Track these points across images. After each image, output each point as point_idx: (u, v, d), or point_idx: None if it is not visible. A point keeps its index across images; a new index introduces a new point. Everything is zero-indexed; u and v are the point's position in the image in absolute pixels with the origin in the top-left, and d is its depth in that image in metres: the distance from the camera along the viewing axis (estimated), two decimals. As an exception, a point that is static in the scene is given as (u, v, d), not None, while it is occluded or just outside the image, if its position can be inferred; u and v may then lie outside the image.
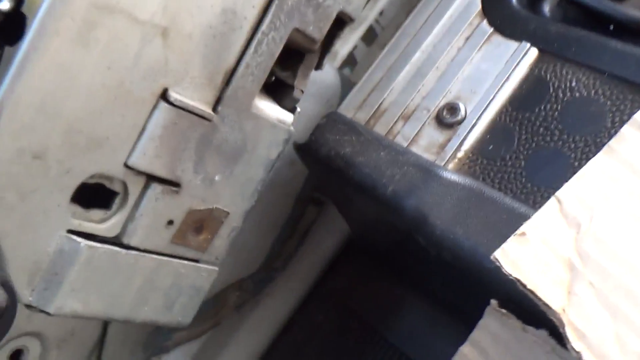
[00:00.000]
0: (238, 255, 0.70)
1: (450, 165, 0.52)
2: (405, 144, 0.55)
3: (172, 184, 0.42)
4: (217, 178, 0.44)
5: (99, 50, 0.34)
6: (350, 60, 0.74)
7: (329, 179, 0.57)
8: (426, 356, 0.68)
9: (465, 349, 0.46)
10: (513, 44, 0.54)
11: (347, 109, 0.59)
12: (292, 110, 0.48)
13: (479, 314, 0.48)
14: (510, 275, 0.36)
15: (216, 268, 0.48)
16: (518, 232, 0.35)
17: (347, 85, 0.70)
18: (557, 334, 0.40)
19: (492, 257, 0.37)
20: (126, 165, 0.39)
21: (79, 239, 0.39)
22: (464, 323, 0.50)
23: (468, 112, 0.54)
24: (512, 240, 0.35)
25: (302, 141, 0.58)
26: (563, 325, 0.31)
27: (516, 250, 0.35)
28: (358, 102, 0.59)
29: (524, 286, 0.35)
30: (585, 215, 0.33)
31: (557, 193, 0.36)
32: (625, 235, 0.33)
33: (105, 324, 0.47)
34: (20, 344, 0.42)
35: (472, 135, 0.53)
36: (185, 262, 0.46)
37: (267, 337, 0.83)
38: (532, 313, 0.43)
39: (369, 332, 0.72)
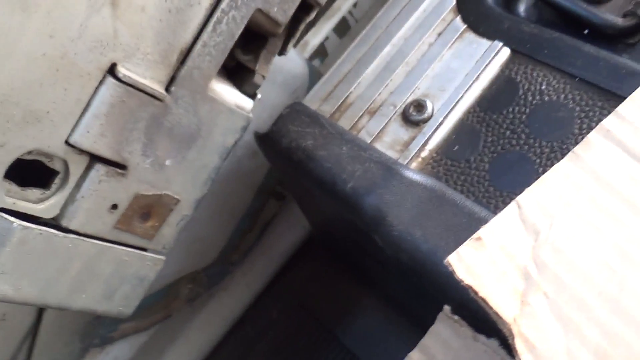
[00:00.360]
0: (192, 247, 0.68)
1: (414, 164, 0.51)
2: (369, 140, 0.53)
3: (118, 165, 0.39)
4: (167, 163, 0.42)
5: (40, 15, 0.32)
6: (321, 52, 0.73)
7: (289, 171, 0.55)
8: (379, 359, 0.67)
9: (415, 355, 0.45)
10: (485, 43, 0.53)
11: (313, 101, 0.57)
12: (252, 96, 0.46)
13: (433, 319, 0.46)
14: (463, 281, 0.34)
15: (163, 257, 0.46)
16: (474, 236, 0.34)
17: (315, 77, 0.68)
18: (508, 345, 0.39)
19: (445, 261, 0.35)
20: (67, 143, 0.36)
21: (12, 219, 0.37)
22: (419, 328, 0.49)
23: (435, 111, 0.52)
24: (467, 244, 0.34)
25: (264, 131, 0.56)
26: (513, 336, 0.29)
27: (471, 255, 0.34)
28: (324, 93, 0.58)
29: (476, 293, 0.34)
30: (544, 222, 0.32)
31: (518, 198, 0.34)
32: (584, 246, 0.31)
33: (40, 310, 0.44)
34: (-55, 327, 0.40)
35: (437, 134, 0.51)
36: (130, 249, 0.43)
37: (218, 331, 0.81)
38: (484, 321, 0.42)
39: (322, 332, 0.70)
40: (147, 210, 0.43)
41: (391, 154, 0.51)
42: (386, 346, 0.66)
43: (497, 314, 0.30)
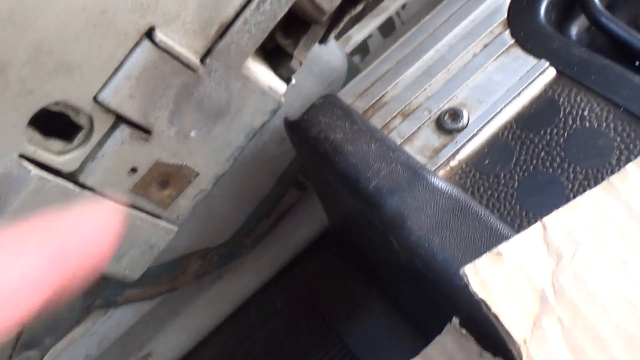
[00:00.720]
0: (208, 223, 0.68)
1: (441, 172, 0.50)
2: (399, 142, 0.52)
3: (143, 130, 0.39)
4: (192, 134, 0.41)
5: (85, -33, 0.31)
6: (362, 48, 0.72)
7: (314, 162, 0.54)
8: (379, 364, 0.66)
9: (416, 364, 0.44)
10: (532, 60, 0.52)
11: (347, 95, 0.56)
12: (286, 80, 0.45)
13: (438, 330, 0.45)
14: (476, 294, 0.33)
15: (175, 228, 0.45)
16: (494, 250, 0.32)
17: (353, 72, 0.67)
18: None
19: (461, 271, 0.34)
20: (95, 100, 0.36)
21: (31, 166, 0.36)
22: (422, 337, 0.48)
23: (470, 121, 0.51)
24: (486, 257, 0.33)
25: (294, 118, 0.55)
26: (521, 358, 0.28)
27: (488, 269, 0.33)
28: (360, 90, 0.57)
29: (489, 309, 0.33)
30: (569, 247, 0.31)
31: (544, 219, 0.33)
32: (607, 278, 0.30)
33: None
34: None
35: (470, 145, 0.50)
36: (143, 215, 0.43)
37: (221, 312, 0.81)
38: (491, 339, 0.41)
39: (325, 328, 0.70)
40: (166, 179, 0.42)
41: (420, 158, 0.50)
42: (387, 350, 0.65)
43: (507, 332, 0.29)
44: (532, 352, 0.27)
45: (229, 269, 0.83)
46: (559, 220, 0.33)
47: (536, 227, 0.33)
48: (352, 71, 0.67)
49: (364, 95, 0.56)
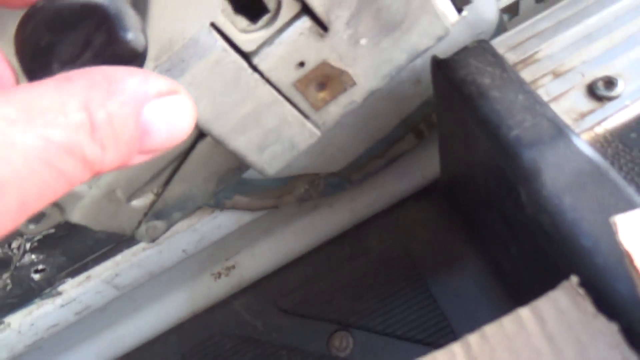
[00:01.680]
0: (325, 149, 0.69)
1: (584, 137, 0.49)
2: (546, 100, 0.52)
3: (322, 26, 0.40)
4: (362, 42, 0.42)
5: None
6: (513, 9, 0.71)
7: (454, 104, 0.55)
8: (461, 321, 0.67)
9: (523, 312, 0.44)
10: None
11: (499, 46, 0.56)
12: (459, 11, 0.45)
13: (538, 293, 0.45)
14: (622, 245, 0.33)
15: (319, 133, 0.47)
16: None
17: (500, 29, 0.66)
18: (629, 333, 0.38)
19: (612, 219, 0.34)
20: (287, -15, 0.38)
21: (217, 36, 0.39)
22: (515, 301, 0.48)
23: (625, 92, 0.50)
24: (637, 212, 0.33)
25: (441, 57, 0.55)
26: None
27: (638, 224, 0.33)
28: (513, 42, 0.56)
29: (631, 262, 0.33)
30: None
31: None
32: None
33: (197, 139, 0.46)
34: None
35: (618, 115, 0.49)
36: (296, 112, 0.45)
37: (309, 242, 0.83)
38: (608, 304, 0.41)
39: (414, 274, 0.71)
40: (325, 81, 0.44)
41: (564, 119, 0.50)
42: (473, 308, 0.66)
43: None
44: None
45: (325, 203, 0.85)
46: None
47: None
48: (500, 28, 0.66)
49: (516, 48, 0.56)
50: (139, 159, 0.23)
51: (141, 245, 0.74)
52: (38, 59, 0.26)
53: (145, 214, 0.50)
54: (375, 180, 0.81)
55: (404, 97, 0.67)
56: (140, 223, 0.51)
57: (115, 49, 0.26)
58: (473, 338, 0.44)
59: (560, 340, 0.41)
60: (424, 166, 0.80)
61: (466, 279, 0.68)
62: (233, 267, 0.87)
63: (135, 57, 0.27)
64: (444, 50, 0.60)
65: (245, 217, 0.78)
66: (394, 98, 0.67)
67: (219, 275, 0.86)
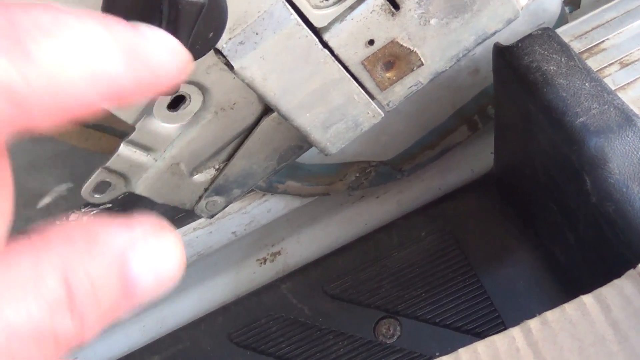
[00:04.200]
0: (379, 136, 0.69)
1: (652, 127, 0.48)
2: (612, 88, 0.51)
3: (394, 4, 0.40)
4: (432, 22, 0.42)
5: None
6: (574, 2, 0.70)
7: (517, 91, 0.54)
8: (512, 312, 0.66)
9: (587, 299, 0.43)
10: None
11: (564, 35, 0.56)
12: (527, -6, 0.45)
13: (595, 285, 0.44)
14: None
15: (382, 114, 0.47)
16: None
17: (562, 21, 0.65)
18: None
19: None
20: (363, -39, 0.38)
21: (292, 10, 0.39)
22: (567, 293, 0.47)
23: (696, 83, 0.49)
24: None
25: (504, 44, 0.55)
26: None
27: None
28: (579, 31, 0.56)
29: None
30: None
31: None
32: None
33: (261, 116, 0.47)
34: (187, 91, 0.43)
35: (689, 107, 0.48)
36: (361, 91, 0.45)
37: (360, 230, 0.83)
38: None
39: (464, 265, 0.70)
40: (393, 61, 0.44)
41: (632, 108, 0.49)
42: (524, 301, 0.65)
43: None
44: None
45: (372, 193, 0.85)
46: None
47: None
48: (561, 19, 0.65)
49: (582, 37, 0.55)
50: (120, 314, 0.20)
51: (192, 225, 0.75)
52: None
53: (206, 189, 0.51)
54: (424, 172, 0.80)
55: (460, 86, 0.67)
56: (200, 198, 0.52)
57: (177, 6, 0.27)
58: (533, 323, 0.44)
59: (626, 327, 0.40)
60: (474, 160, 0.80)
61: (517, 271, 0.67)
62: (278, 253, 0.88)
63: (200, 11, 0.28)
64: (504, 39, 0.59)
65: (294, 203, 0.79)
66: (450, 87, 0.67)
67: (264, 260, 0.87)
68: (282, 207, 0.78)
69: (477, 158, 0.80)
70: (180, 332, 0.78)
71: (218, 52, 0.39)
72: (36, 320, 0.16)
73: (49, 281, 0.17)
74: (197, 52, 0.35)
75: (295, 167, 0.70)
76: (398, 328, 0.68)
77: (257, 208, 0.76)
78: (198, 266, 0.85)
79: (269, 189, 0.71)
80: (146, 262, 0.19)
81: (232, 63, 0.39)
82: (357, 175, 0.75)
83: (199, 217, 0.75)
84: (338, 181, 0.75)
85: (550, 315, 0.43)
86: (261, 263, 0.87)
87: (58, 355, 0.17)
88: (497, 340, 0.44)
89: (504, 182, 0.71)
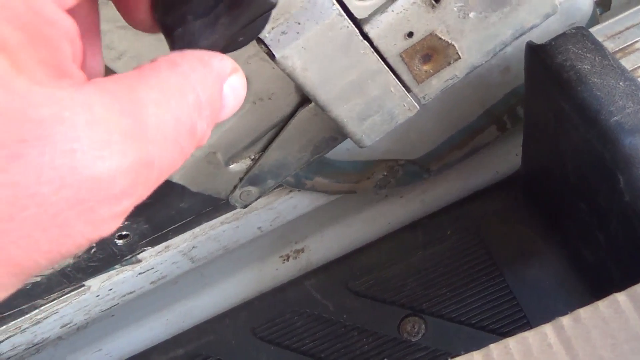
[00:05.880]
0: (409, 134, 0.70)
1: (687, 126, 0.48)
2: (646, 87, 0.51)
3: (435, -4, 0.41)
4: (471, 15, 0.43)
5: None
6: (605, 3, 0.70)
7: (548, 90, 0.54)
8: (538, 312, 0.66)
9: (620, 297, 0.43)
10: None
11: (597, 34, 0.56)
12: (566, -10, 0.45)
13: (625, 285, 0.44)
14: None
15: (418, 107, 0.47)
16: None
17: (593, 22, 0.66)
18: None
19: None
20: (408, -48, 0.38)
21: (334, 1, 0.39)
22: (596, 293, 0.47)
23: None
24: None
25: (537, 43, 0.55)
26: None
27: None
28: (612, 31, 0.56)
29: None
30: None
31: None
32: None
33: (297, 107, 0.47)
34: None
35: None
36: (398, 83, 0.45)
37: (383, 229, 0.83)
38: None
39: (489, 264, 0.70)
40: (430, 54, 0.44)
41: (667, 107, 0.49)
42: (552, 300, 0.65)
43: None
44: None
45: (396, 192, 0.85)
46: None
47: None
48: (593, 20, 0.65)
49: (615, 37, 0.55)
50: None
51: (219, 219, 0.75)
52: (173, 12, 0.27)
53: (241, 179, 0.52)
54: (447, 172, 0.81)
55: (490, 85, 0.67)
56: (235, 188, 0.52)
57: (249, 2, 0.27)
58: (566, 320, 0.44)
59: (661, 324, 0.40)
60: (498, 161, 0.80)
61: (543, 271, 0.67)
62: (302, 250, 0.89)
63: (269, 10, 0.28)
64: (536, 37, 0.59)
65: (319, 200, 0.79)
66: (480, 85, 0.67)
67: (287, 257, 0.88)
68: (308, 204, 0.78)
69: (501, 159, 0.80)
70: (204, 326, 0.79)
71: (260, 41, 0.40)
72: (188, 116, 0.21)
73: (187, 89, 0.22)
74: (241, 43, 0.36)
75: (324, 163, 0.71)
76: (423, 326, 0.69)
77: (283, 204, 0.77)
78: (221, 263, 0.85)
79: (297, 185, 0.72)
80: (232, 88, 0.24)
81: (274, 52, 0.40)
82: (385, 173, 0.75)
83: (226, 212, 0.76)
84: (365, 179, 0.76)
85: (583, 312, 0.43)
86: (284, 260, 0.88)
87: (191, 150, 0.22)
88: (529, 337, 0.44)
89: (531, 182, 0.71)
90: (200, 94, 0.22)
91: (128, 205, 0.20)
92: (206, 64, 0.24)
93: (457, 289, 0.70)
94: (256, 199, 0.53)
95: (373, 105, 0.46)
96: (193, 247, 0.75)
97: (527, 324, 0.65)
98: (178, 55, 0.23)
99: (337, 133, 0.50)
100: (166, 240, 0.73)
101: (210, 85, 0.23)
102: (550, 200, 0.66)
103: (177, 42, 0.26)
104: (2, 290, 0.18)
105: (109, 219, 0.19)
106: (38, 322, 0.74)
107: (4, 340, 0.75)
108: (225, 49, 0.28)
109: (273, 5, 0.28)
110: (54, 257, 0.19)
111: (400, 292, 0.71)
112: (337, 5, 0.40)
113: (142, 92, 0.20)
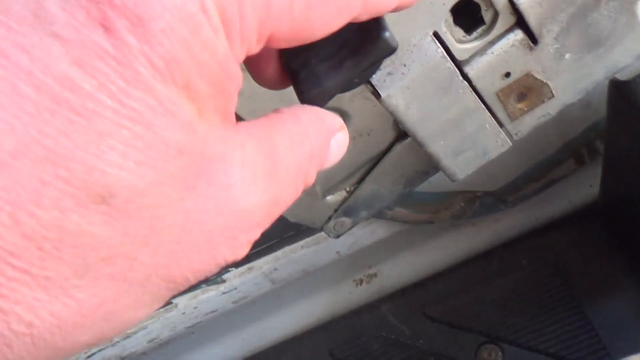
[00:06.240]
0: (487, 166, 0.71)
1: None
2: None
3: (532, 39, 0.43)
4: (567, 56, 0.45)
5: None
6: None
7: (633, 125, 0.56)
8: (617, 343, 0.66)
9: None
10: None
11: (682, 71, 0.57)
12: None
13: None
14: None
15: (510, 143, 0.49)
16: None
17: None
18: None
19: None
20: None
21: (439, 44, 0.42)
22: None
23: None
24: None
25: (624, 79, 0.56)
26: None
27: None
28: (698, 69, 0.57)
29: None
30: None
31: None
32: None
33: (393, 142, 0.50)
34: (331, 116, 0.47)
35: None
36: (493, 120, 0.47)
37: (455, 257, 0.85)
38: None
39: (566, 295, 0.71)
40: (525, 92, 0.46)
41: None
42: (630, 332, 0.65)
43: None
44: None
45: (467, 222, 0.86)
46: None
47: None
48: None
49: (701, 75, 0.56)
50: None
51: (299, 243, 0.78)
52: (298, 57, 0.30)
53: (336, 210, 0.55)
54: (530, 204, 0.82)
55: (571, 120, 0.69)
56: (330, 218, 0.55)
57: (374, 46, 0.30)
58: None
59: None
60: (572, 192, 0.80)
61: (625, 303, 0.68)
62: (375, 275, 0.91)
63: (390, 54, 0.31)
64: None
65: (395, 227, 0.81)
66: (561, 120, 0.68)
67: (361, 282, 0.90)
68: (385, 230, 0.81)
69: (575, 190, 0.81)
70: (282, 346, 0.82)
71: (367, 81, 0.43)
72: (306, 163, 0.25)
73: (309, 139, 0.25)
74: (356, 84, 0.39)
75: (406, 194, 0.73)
76: (500, 353, 0.70)
77: (362, 230, 0.79)
78: (297, 283, 0.88)
79: (378, 215, 0.74)
80: (337, 142, 0.27)
81: (380, 92, 0.43)
82: (462, 204, 0.77)
83: (307, 236, 0.79)
84: (443, 210, 0.78)
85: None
86: (357, 284, 0.90)
87: (303, 190, 0.25)
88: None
89: (610, 214, 0.71)
90: (314, 144, 0.25)
91: (258, 234, 0.23)
92: (321, 119, 0.27)
93: (534, 318, 0.71)
94: (349, 229, 0.56)
95: (468, 141, 0.48)
96: (274, 269, 0.78)
97: (607, 355, 0.65)
98: (299, 108, 0.27)
99: (430, 167, 0.52)
100: (249, 261, 0.77)
101: (322, 138, 0.26)
102: (632, 232, 0.67)
103: (302, 84, 0.29)
104: (156, 302, 0.21)
105: (244, 245, 0.22)
106: (128, 337, 0.78)
107: (96, 352, 0.79)
108: (342, 90, 0.31)
109: (394, 50, 0.31)
110: (200, 275, 0.22)
111: (476, 319, 0.73)
112: (441, 48, 0.42)
113: (277, 138, 0.24)
